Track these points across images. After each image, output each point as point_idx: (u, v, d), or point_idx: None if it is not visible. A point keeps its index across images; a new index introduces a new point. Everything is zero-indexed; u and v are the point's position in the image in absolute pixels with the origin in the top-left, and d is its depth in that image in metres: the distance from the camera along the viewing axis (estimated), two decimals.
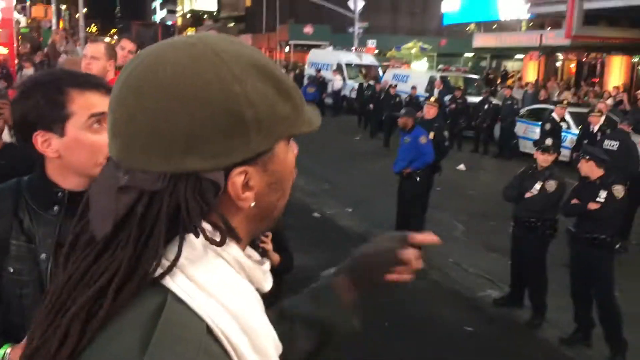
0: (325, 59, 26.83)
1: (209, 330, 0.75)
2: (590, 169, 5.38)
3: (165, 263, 0.76)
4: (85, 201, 0.83)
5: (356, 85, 21.79)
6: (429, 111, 8.39)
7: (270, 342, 0.83)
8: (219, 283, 0.79)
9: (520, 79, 28.83)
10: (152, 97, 0.76)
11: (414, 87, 18.83)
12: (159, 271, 0.76)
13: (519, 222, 5.98)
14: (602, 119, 11.12)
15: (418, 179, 7.63)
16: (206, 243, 0.78)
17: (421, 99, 17.39)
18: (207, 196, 0.77)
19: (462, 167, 13.75)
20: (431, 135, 7.83)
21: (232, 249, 0.82)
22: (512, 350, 5.46)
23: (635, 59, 25.57)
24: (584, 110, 13.88)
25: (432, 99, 9.11)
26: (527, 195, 5.85)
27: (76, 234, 0.83)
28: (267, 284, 0.88)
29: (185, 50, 0.78)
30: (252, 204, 0.82)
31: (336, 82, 24.34)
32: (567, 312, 5.62)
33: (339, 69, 25.38)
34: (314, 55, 28.40)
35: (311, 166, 12.42)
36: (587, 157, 5.41)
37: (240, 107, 0.77)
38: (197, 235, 0.77)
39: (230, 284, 0.80)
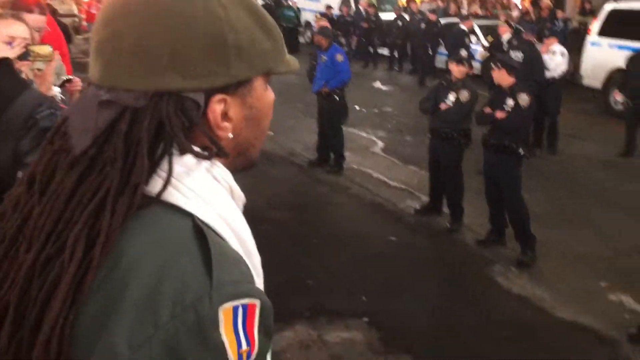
0: None
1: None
2: (501, 77, 5.56)
3: (161, 178, 0.77)
4: (62, 120, 0.83)
5: None
6: (318, 24, 8.80)
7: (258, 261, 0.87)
8: (217, 197, 0.81)
9: None
10: (138, 14, 0.78)
11: (329, 7, 18.57)
12: (159, 186, 0.76)
13: (434, 133, 6.17)
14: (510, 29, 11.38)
15: (337, 98, 7.66)
16: (198, 161, 0.80)
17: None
18: (190, 113, 0.79)
19: (378, 84, 13.91)
20: None
21: (220, 168, 0.84)
22: (435, 255, 5.77)
23: None
24: (493, 22, 14.17)
25: (318, 14, 9.50)
26: (442, 106, 6.02)
27: (53, 152, 0.81)
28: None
29: None
30: (230, 136, 0.85)
31: None
32: (482, 215, 5.96)
33: None
34: None
35: None
36: (499, 65, 5.58)
37: (223, 30, 0.80)
38: (183, 152, 0.78)
39: (225, 200, 0.83)
